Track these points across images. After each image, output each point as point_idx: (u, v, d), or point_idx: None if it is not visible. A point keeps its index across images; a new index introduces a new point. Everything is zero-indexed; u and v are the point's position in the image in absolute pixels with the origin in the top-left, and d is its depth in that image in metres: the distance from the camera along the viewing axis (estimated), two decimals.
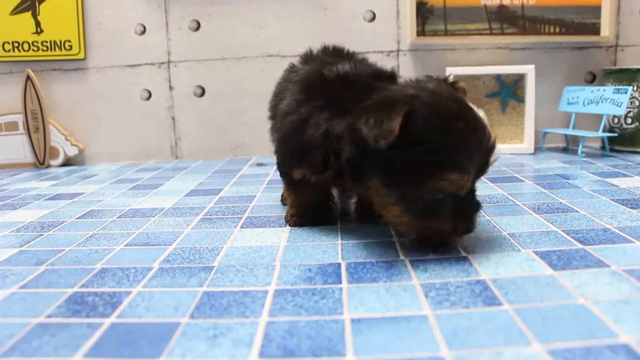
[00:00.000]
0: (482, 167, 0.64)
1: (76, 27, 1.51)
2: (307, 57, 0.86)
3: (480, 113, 0.64)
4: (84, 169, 1.49)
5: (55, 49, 1.52)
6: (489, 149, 0.64)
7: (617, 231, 0.73)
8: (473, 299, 0.52)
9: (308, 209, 0.81)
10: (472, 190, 0.65)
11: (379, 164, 0.63)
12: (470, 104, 0.65)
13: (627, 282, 0.55)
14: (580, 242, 0.69)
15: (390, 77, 0.72)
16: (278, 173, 0.83)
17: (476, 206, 0.66)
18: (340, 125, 0.66)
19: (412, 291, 0.55)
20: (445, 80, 0.69)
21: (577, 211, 0.84)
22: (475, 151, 0.62)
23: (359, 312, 0.50)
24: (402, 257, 0.65)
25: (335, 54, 0.84)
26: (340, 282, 0.58)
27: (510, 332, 0.45)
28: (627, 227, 0.75)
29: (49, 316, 0.52)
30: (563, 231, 0.74)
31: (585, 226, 0.76)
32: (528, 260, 0.63)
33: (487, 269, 0.60)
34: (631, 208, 0.84)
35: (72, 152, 1.55)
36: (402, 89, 0.65)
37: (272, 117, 0.87)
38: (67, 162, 1.57)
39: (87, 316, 0.52)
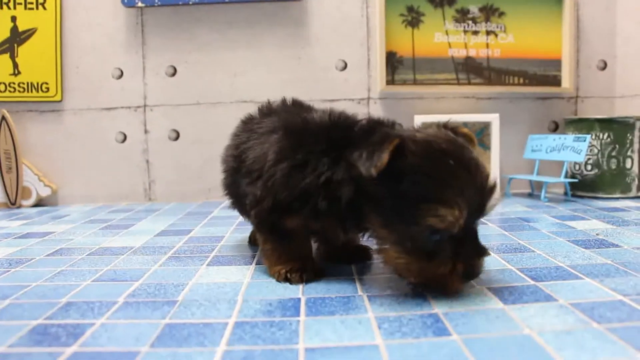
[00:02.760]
0: (478, 208, 0.63)
1: (54, 70, 1.55)
2: (268, 110, 0.86)
3: (478, 156, 0.65)
4: (56, 209, 1.49)
5: (32, 91, 1.55)
6: (485, 189, 0.63)
7: (569, 269, 0.76)
8: (424, 330, 0.54)
9: (305, 261, 0.75)
10: (473, 233, 0.64)
11: (377, 204, 0.64)
12: (468, 147, 0.66)
13: (572, 315, 0.58)
14: (533, 278, 0.72)
15: (392, 125, 0.72)
16: (257, 224, 0.77)
17: (479, 250, 0.64)
18: (341, 168, 0.66)
19: (367, 323, 0.57)
20: (445, 125, 0.70)
21: (533, 251, 0.87)
22: (467, 189, 0.61)
23: (313, 343, 0.52)
24: (360, 293, 0.67)
25: (296, 106, 0.85)
26: (298, 315, 0.60)
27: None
28: (579, 265, 0.78)
29: (10, 346, 0.53)
30: (518, 269, 0.77)
31: (539, 264, 0.79)
32: (481, 295, 0.65)
33: (440, 303, 0.63)
34: (584, 248, 0.88)
35: (45, 192, 1.56)
36: (399, 131, 0.67)
37: (235, 170, 0.83)
38: (40, 203, 1.57)
39: (50, 346, 0.53)
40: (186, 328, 0.57)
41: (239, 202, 0.84)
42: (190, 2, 1.50)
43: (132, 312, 0.62)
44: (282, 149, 0.72)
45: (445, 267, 0.62)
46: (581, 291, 0.66)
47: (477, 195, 0.62)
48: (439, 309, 0.61)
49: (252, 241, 0.97)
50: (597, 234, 0.99)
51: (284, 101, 0.87)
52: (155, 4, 1.50)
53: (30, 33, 1.54)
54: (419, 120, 1.46)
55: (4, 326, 0.59)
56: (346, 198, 0.65)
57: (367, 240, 0.77)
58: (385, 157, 0.59)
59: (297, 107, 0.84)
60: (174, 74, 1.57)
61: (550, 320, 0.57)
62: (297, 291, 0.69)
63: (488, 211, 0.65)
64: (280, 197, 0.70)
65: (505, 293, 0.66)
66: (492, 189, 0.64)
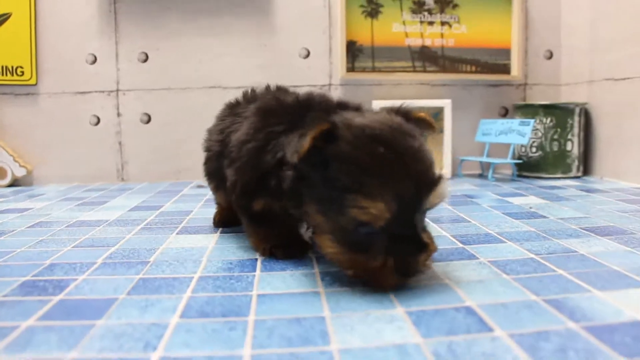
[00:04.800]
0: (414, 201, 0.58)
1: (29, 54, 1.61)
2: (252, 95, 0.87)
3: (422, 145, 0.61)
4: (31, 189, 1.56)
5: (7, 74, 1.60)
6: (423, 182, 0.59)
7: (496, 235, 0.87)
8: (358, 281, 0.65)
9: (287, 237, 0.77)
10: (412, 228, 0.59)
11: (313, 190, 0.61)
12: (413, 134, 0.62)
13: (488, 269, 0.69)
14: (462, 243, 0.83)
15: (356, 108, 0.71)
16: (237, 208, 0.79)
17: (418, 246, 0.60)
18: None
19: (312, 277, 0.67)
20: (398, 110, 0.67)
21: (469, 221, 0.98)
22: (399, 180, 0.57)
23: (265, 290, 0.62)
24: (310, 255, 0.77)
25: (280, 91, 0.85)
26: (254, 271, 0.70)
27: (383, 301, 0.58)
28: (506, 232, 0.89)
29: (5, 296, 0.62)
30: (451, 235, 0.88)
31: (471, 232, 0.90)
32: None
33: None
34: (515, 219, 0.99)
35: (20, 173, 1.62)
36: (341, 114, 0.64)
37: (219, 155, 0.82)
38: (15, 183, 1.64)
39: (39, 295, 0.62)
40: (157, 281, 0.66)
41: (224, 186, 0.82)
42: None
43: (110, 270, 0.71)
44: (249, 129, 0.72)
45: (375, 261, 0.59)
46: (501, 252, 0.77)
47: (412, 187, 0.58)
48: None
49: (216, 223, 0.99)
50: (530, 208, 1.11)
51: (267, 87, 0.88)
52: None
53: (4, 18, 1.60)
54: (377, 105, 1.56)
55: None
56: (288, 182, 0.64)
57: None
58: (306, 143, 0.57)
59: (280, 92, 0.83)
60: (145, 60, 1.64)
61: (467, 273, 0.67)
62: (255, 253, 0.79)
63: (430, 206, 0.61)
64: (245, 180, 0.71)
65: (435, 254, 0.76)
66: (433, 181, 0.59)
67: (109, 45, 1.63)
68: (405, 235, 0.59)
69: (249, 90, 0.90)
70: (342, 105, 0.71)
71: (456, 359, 0.44)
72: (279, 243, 0.76)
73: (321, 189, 0.60)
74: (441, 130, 1.64)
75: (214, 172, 0.87)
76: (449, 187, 1.41)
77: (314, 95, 0.74)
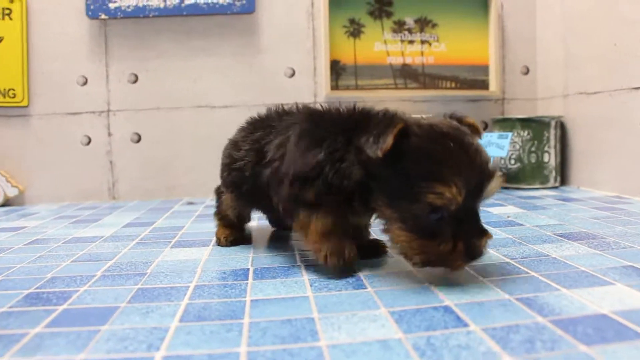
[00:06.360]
0: (477, 189, 0.65)
1: (21, 77, 1.64)
2: (283, 111, 0.89)
3: (479, 144, 0.68)
4: (24, 208, 1.59)
5: None
6: (485, 173, 0.66)
7: None
8: (345, 286, 0.69)
9: (343, 240, 0.75)
10: (474, 215, 0.67)
11: (384, 185, 0.67)
12: (470, 134, 0.68)
13: (466, 273, 0.73)
14: None
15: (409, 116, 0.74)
16: (288, 203, 0.77)
17: (481, 231, 0.67)
18: (352, 150, 0.70)
19: (302, 283, 0.71)
20: (451, 115, 0.73)
21: None
22: (466, 170, 0.64)
23: (257, 296, 0.66)
24: (299, 263, 0.82)
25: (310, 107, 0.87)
26: (247, 279, 0.74)
27: (367, 303, 0.62)
28: None
29: (11, 307, 0.65)
30: None
31: None
32: (397, 261, 0.80)
33: (364, 270, 0.77)
34: (494, 227, 1.04)
35: (12, 193, 1.65)
36: (404, 117, 0.68)
37: (254, 163, 0.84)
38: (7, 203, 1.67)
39: (44, 305, 0.65)
40: (156, 290, 0.70)
41: (256, 193, 0.85)
42: (151, 15, 1.62)
43: (110, 282, 0.75)
44: (302, 130, 0.76)
45: (446, 245, 0.65)
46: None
47: (476, 176, 0.64)
48: (362, 274, 0.76)
49: (221, 242, 0.98)
50: (508, 217, 1.16)
51: (296, 105, 0.90)
52: (118, 17, 1.62)
53: None
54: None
55: (1, 295, 0.71)
56: (355, 177, 0.69)
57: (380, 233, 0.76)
58: (390, 139, 0.63)
59: (310, 109, 0.85)
60: (135, 81, 1.69)
61: (447, 277, 0.72)
62: (247, 263, 0.83)
63: (488, 194, 0.67)
64: (297, 169, 0.73)
65: None
66: (492, 172, 0.66)
67: (100, 66, 1.68)
68: (469, 221, 0.66)
69: (277, 107, 0.92)
70: (396, 114, 0.72)
71: (434, 351, 0.49)
72: (335, 249, 0.74)
73: (392, 182, 0.66)
74: None
75: (238, 180, 0.89)
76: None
77: (359, 106, 0.77)
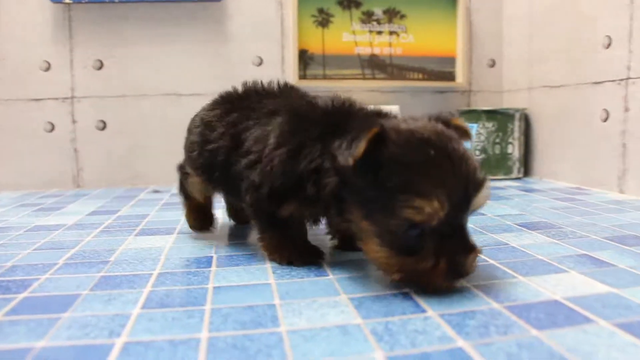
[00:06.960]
0: (463, 202, 0.59)
1: None
2: (264, 90, 0.85)
3: (466, 149, 0.61)
4: None
5: None
6: (472, 183, 0.59)
7: None
8: (307, 273, 0.70)
9: (303, 245, 0.78)
10: (460, 229, 0.60)
11: (358, 195, 0.61)
12: (457, 139, 0.62)
13: None
14: None
15: (389, 117, 0.70)
16: (254, 212, 0.77)
17: (467, 247, 0.60)
18: (328, 157, 0.64)
19: (264, 271, 0.72)
20: (437, 117, 0.65)
21: None
22: (449, 180, 0.57)
23: (220, 283, 0.67)
24: (262, 252, 0.82)
25: (292, 89, 0.85)
26: (210, 267, 0.74)
27: (328, 290, 0.63)
28: None
29: None
30: None
31: None
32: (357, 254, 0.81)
33: (332, 266, 0.78)
34: None
35: None
36: (386, 121, 0.63)
37: (230, 149, 0.79)
38: None
39: (3, 294, 0.65)
40: (118, 278, 0.70)
41: (228, 181, 0.81)
42: (117, 0, 1.60)
43: (72, 270, 0.74)
44: (282, 133, 0.71)
45: (426, 262, 0.59)
46: None
47: (462, 188, 0.58)
48: (324, 262, 0.77)
49: (194, 223, 0.97)
50: None
51: (277, 82, 0.86)
52: (82, 1, 1.59)
53: None
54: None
55: None
56: (330, 187, 0.64)
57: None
58: (362, 146, 0.57)
59: (292, 90, 0.83)
60: (100, 67, 1.66)
61: None
62: (211, 251, 0.83)
63: (476, 206, 0.61)
64: (276, 184, 0.70)
65: None
66: (480, 182, 0.60)
67: (64, 52, 1.65)
68: (454, 236, 0.59)
69: (257, 83, 0.86)
70: (378, 114, 0.71)
71: (391, 336, 0.50)
72: (296, 252, 0.75)
73: (368, 193, 0.60)
74: None
75: (210, 164, 0.83)
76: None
77: (347, 101, 0.73)
